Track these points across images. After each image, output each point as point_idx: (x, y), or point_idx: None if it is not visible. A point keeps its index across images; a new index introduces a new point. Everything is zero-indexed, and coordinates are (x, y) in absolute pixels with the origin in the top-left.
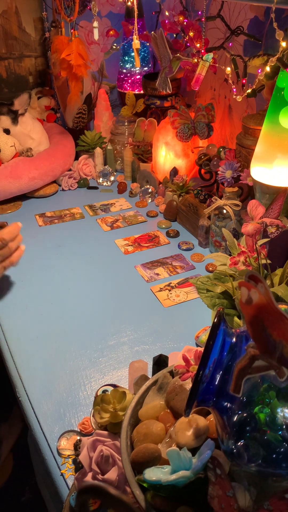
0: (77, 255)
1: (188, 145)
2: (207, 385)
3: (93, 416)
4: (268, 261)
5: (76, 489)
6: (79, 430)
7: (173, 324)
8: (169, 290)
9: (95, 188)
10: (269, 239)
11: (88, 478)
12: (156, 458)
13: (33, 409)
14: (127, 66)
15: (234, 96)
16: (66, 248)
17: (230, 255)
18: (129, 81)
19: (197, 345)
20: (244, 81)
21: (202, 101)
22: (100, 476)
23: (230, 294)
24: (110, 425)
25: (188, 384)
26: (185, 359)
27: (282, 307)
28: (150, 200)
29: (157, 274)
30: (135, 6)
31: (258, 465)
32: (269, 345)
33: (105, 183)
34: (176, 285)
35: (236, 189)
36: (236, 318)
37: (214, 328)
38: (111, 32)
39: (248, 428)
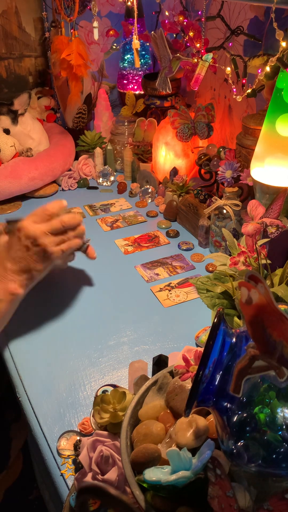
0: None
1: (188, 145)
2: (207, 385)
3: (93, 416)
4: (268, 261)
5: (76, 489)
6: (79, 430)
7: (173, 324)
8: (169, 290)
9: (95, 188)
10: (269, 239)
11: (88, 478)
12: (156, 458)
13: (33, 409)
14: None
15: (234, 96)
16: None
17: (230, 255)
18: (133, 81)
19: (197, 345)
20: (244, 81)
21: (202, 101)
22: (100, 476)
23: (230, 294)
24: (110, 426)
25: (188, 384)
26: (185, 359)
27: (282, 307)
28: (150, 200)
29: (157, 274)
30: (135, 6)
31: (258, 466)
32: (269, 345)
33: (105, 183)
34: (176, 285)
35: (236, 189)
36: (236, 318)
37: (214, 328)
38: (111, 32)
39: (248, 428)
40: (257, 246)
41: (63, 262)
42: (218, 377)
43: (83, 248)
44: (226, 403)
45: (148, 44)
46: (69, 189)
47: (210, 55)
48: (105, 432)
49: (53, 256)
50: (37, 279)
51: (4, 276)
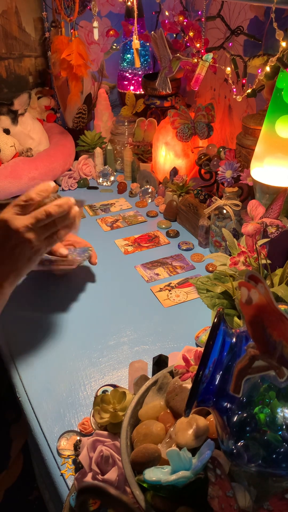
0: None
1: (188, 145)
2: (207, 385)
3: (93, 416)
4: (268, 261)
5: (76, 489)
6: (79, 430)
7: (173, 324)
8: (169, 290)
9: (95, 188)
10: (269, 239)
11: (88, 478)
12: (156, 458)
13: (33, 409)
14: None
15: (234, 96)
16: None
17: (230, 255)
18: (133, 81)
19: (197, 345)
20: (244, 81)
21: (202, 101)
22: (100, 476)
23: (230, 294)
24: (110, 426)
25: (188, 384)
26: (185, 359)
27: (282, 307)
28: (150, 200)
29: (157, 274)
30: (135, 6)
31: (258, 466)
32: (269, 345)
33: (105, 183)
34: (176, 285)
35: (236, 189)
36: (236, 318)
37: (214, 328)
38: (111, 32)
39: (248, 428)
40: (257, 246)
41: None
42: (218, 377)
43: (87, 256)
44: (226, 403)
45: (148, 44)
46: (69, 189)
47: (210, 55)
48: (105, 432)
49: (40, 252)
50: (23, 274)
51: None
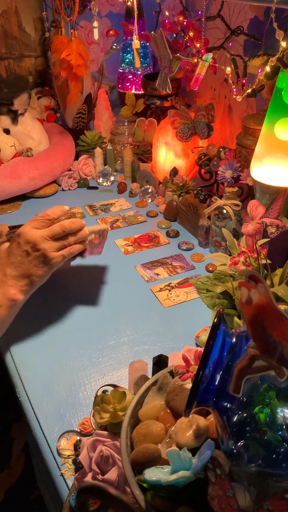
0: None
1: (188, 145)
2: (207, 385)
3: (93, 416)
4: (268, 261)
5: (76, 489)
6: (79, 430)
7: (173, 324)
8: (169, 290)
9: (95, 188)
10: (269, 239)
11: (88, 478)
12: (156, 458)
13: (33, 409)
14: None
15: (234, 96)
16: None
17: (230, 255)
18: (133, 81)
19: (197, 345)
20: (244, 81)
21: (202, 101)
22: (100, 476)
23: (230, 294)
24: (110, 425)
25: (188, 384)
26: (185, 359)
27: (282, 307)
28: (150, 200)
29: (157, 274)
30: (135, 6)
31: (258, 466)
32: (269, 345)
33: (105, 183)
34: (176, 285)
35: (236, 189)
36: (236, 318)
37: (214, 328)
38: (111, 32)
39: (248, 428)
40: (257, 246)
41: (66, 264)
42: (218, 377)
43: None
44: (226, 403)
45: (148, 44)
46: (69, 189)
47: (210, 55)
48: (105, 432)
49: (53, 262)
50: (37, 285)
51: (4, 282)
